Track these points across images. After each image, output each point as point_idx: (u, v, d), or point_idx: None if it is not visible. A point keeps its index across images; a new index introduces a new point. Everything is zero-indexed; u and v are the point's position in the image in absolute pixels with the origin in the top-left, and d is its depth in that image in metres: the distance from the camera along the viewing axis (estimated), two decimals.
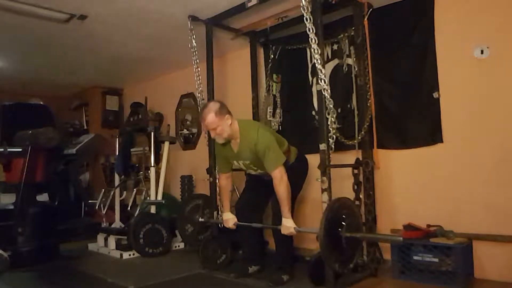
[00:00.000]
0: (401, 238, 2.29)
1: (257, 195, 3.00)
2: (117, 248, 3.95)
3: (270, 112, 3.88)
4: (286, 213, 2.60)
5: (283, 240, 2.83)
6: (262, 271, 3.00)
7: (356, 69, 3.20)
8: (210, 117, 2.64)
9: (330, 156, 2.65)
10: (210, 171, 3.47)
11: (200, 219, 3.26)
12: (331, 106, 2.62)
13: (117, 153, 4.56)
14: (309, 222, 3.55)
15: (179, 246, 4.19)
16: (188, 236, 3.34)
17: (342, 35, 3.39)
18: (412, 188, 3.11)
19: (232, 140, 2.79)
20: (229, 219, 2.94)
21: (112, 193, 4.49)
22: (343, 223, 2.34)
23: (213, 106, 2.70)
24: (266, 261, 3.10)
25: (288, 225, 2.60)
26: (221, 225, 3.10)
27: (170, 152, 4.39)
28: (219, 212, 3.35)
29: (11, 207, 3.72)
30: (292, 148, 2.93)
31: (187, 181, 4.64)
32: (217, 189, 3.39)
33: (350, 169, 3.07)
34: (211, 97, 3.47)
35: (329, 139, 2.64)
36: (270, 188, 2.66)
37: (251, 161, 2.77)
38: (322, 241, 2.20)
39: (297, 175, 2.85)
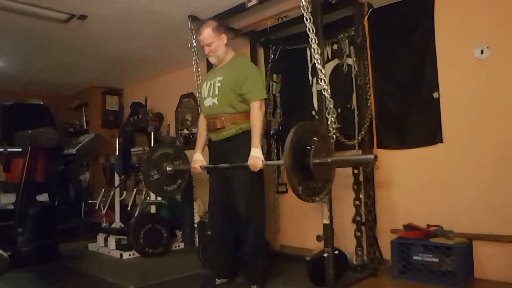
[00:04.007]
0: (372, 157, 2.13)
1: (223, 196, 2.77)
2: (117, 248, 3.95)
3: (270, 112, 3.88)
4: (256, 142, 2.50)
5: (254, 246, 2.65)
6: (231, 283, 2.81)
7: (356, 69, 3.20)
8: (207, 32, 2.67)
9: None
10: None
11: (167, 169, 3.01)
12: (331, 106, 2.62)
13: (117, 153, 4.56)
14: (309, 223, 3.55)
15: (179, 246, 4.20)
16: (151, 182, 3.03)
17: (342, 35, 3.39)
18: (412, 188, 3.11)
19: (219, 65, 2.78)
20: (197, 161, 2.83)
21: (112, 193, 4.49)
22: (312, 146, 2.17)
23: (212, 22, 2.74)
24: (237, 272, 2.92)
25: (256, 155, 2.47)
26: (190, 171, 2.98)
27: None
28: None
29: (11, 207, 3.72)
30: None
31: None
32: None
33: (350, 169, 3.07)
34: None
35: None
36: (232, 178, 2.63)
37: (223, 79, 2.64)
38: (287, 161, 2.03)
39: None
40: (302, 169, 2.13)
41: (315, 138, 2.20)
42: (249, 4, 3.15)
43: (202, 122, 2.88)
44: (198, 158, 2.84)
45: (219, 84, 2.66)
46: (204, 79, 2.90)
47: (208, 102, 2.72)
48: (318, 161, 2.17)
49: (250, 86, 2.58)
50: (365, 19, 3.17)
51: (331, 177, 2.36)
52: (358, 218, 3.06)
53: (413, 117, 3.12)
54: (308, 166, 2.15)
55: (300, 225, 3.72)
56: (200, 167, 2.80)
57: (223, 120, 2.64)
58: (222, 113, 2.64)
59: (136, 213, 4.14)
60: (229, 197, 2.69)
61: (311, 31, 2.59)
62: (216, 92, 2.66)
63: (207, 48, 2.69)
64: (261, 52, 4.10)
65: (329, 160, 2.24)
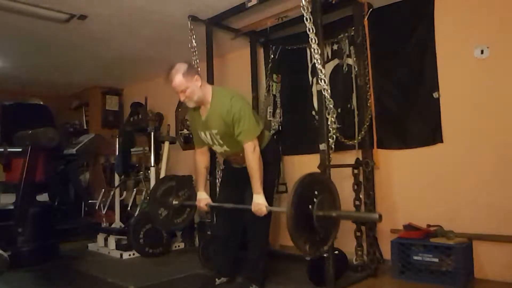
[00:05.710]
0: (376, 216, 2.05)
1: (234, 193, 2.75)
2: (117, 248, 3.95)
3: (270, 112, 3.89)
4: (257, 189, 2.40)
5: (257, 247, 2.67)
6: (231, 283, 2.82)
7: (356, 69, 3.20)
8: (178, 78, 2.48)
9: (330, 156, 2.65)
10: (210, 171, 3.47)
11: (174, 202, 2.95)
12: (331, 106, 2.62)
13: (117, 153, 4.56)
14: None
15: (179, 246, 4.19)
16: (161, 221, 2.99)
17: (342, 35, 3.40)
18: (412, 188, 3.11)
19: (202, 106, 2.58)
20: (201, 199, 2.74)
21: (112, 193, 4.49)
22: (315, 199, 2.06)
23: (181, 66, 2.53)
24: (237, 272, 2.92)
25: (259, 201, 2.39)
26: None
27: (170, 152, 4.39)
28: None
29: (11, 207, 3.71)
30: (266, 133, 2.73)
31: None
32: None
33: (350, 169, 3.08)
34: None
35: (329, 139, 2.64)
36: (246, 182, 2.52)
37: (218, 131, 2.54)
38: (290, 219, 1.94)
39: (269, 161, 2.61)
40: (305, 219, 2.03)
41: (317, 192, 2.10)
42: (249, 4, 3.15)
43: (199, 160, 2.80)
44: (203, 197, 2.77)
45: (218, 137, 2.57)
46: (193, 121, 2.76)
47: (219, 149, 2.67)
48: (321, 213, 2.08)
49: (239, 129, 2.45)
50: (365, 19, 3.17)
51: (335, 227, 2.24)
52: None
53: (413, 117, 3.12)
54: (312, 222, 2.04)
55: None
56: (206, 205, 2.75)
57: (242, 156, 2.55)
58: (238, 152, 2.58)
59: (136, 213, 4.14)
60: (237, 199, 2.66)
61: (311, 31, 2.59)
62: (221, 142, 2.59)
63: (182, 95, 2.51)
64: (261, 52, 4.10)
65: (333, 214, 2.14)
